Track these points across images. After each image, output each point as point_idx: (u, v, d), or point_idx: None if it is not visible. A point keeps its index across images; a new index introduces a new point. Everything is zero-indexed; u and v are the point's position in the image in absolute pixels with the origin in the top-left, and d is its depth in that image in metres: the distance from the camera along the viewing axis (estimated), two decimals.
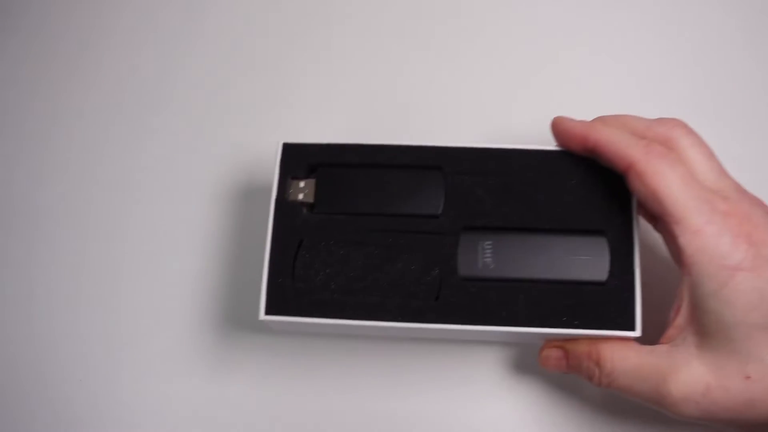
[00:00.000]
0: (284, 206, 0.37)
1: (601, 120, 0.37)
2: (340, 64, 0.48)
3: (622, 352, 0.34)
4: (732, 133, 0.44)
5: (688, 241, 0.32)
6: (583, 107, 0.44)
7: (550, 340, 0.37)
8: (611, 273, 0.35)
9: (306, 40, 0.49)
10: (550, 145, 0.37)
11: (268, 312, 0.36)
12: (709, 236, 0.31)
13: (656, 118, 0.36)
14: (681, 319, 0.33)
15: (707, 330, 0.32)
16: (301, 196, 0.37)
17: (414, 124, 0.46)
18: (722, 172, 0.34)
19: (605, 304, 0.35)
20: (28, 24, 0.51)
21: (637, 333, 0.34)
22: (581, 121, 0.36)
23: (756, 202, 0.34)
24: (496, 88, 0.47)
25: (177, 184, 0.46)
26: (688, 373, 0.32)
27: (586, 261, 0.36)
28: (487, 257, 0.36)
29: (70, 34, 0.51)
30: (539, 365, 0.38)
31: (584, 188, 0.36)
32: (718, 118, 0.45)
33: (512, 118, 0.46)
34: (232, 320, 0.43)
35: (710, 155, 0.35)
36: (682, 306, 0.33)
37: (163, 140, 0.47)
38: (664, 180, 0.32)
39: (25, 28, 0.51)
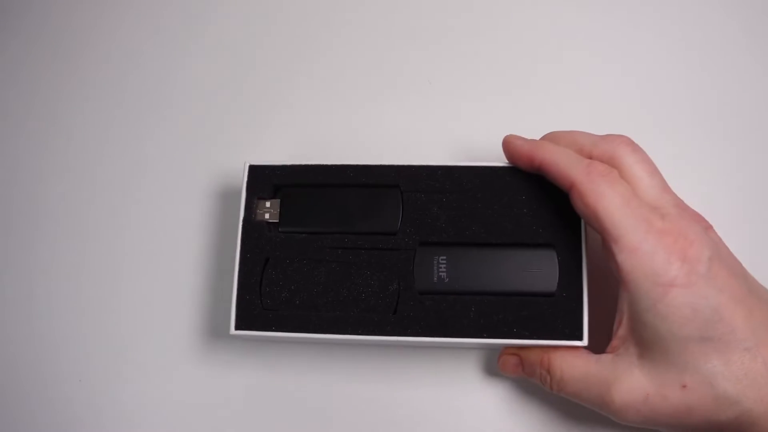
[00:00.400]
0: (252, 225, 0.39)
1: (550, 136, 0.38)
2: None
3: (570, 361, 0.36)
4: (734, 134, 0.45)
5: (624, 259, 0.33)
6: (582, 111, 0.46)
7: (507, 347, 0.39)
8: (560, 285, 0.37)
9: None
10: (503, 161, 0.39)
11: (237, 327, 0.38)
12: (643, 254, 0.33)
13: (604, 135, 0.37)
14: (623, 330, 0.35)
15: (646, 342, 0.34)
16: (267, 216, 0.39)
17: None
18: (664, 189, 0.36)
19: (554, 315, 0.37)
20: (29, 24, 0.52)
21: (584, 343, 0.36)
22: (529, 141, 0.38)
23: (695, 218, 0.35)
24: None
25: (177, 184, 0.48)
26: (630, 382, 0.34)
27: (536, 273, 0.37)
28: (441, 272, 0.38)
29: (71, 35, 0.52)
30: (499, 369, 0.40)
31: (534, 203, 0.38)
32: (720, 118, 0.45)
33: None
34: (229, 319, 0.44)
35: (653, 172, 0.36)
36: (623, 319, 0.35)
37: (165, 141, 0.48)
38: (603, 201, 0.34)
39: (25, 29, 0.52)
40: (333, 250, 0.39)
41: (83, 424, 0.44)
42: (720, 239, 0.35)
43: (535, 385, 0.41)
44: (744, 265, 0.35)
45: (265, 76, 0.49)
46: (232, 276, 0.38)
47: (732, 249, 0.35)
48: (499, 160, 0.39)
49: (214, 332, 0.45)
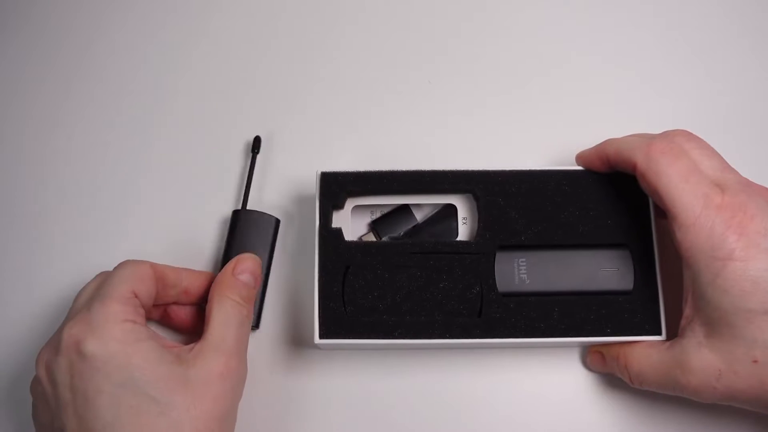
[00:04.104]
0: (328, 233, 0.39)
1: (608, 141, 0.39)
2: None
3: (644, 352, 0.37)
4: (738, 132, 0.46)
5: (683, 235, 0.34)
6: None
7: (593, 345, 0.40)
8: (636, 283, 0.38)
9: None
10: (575, 165, 0.40)
11: (322, 336, 0.37)
12: (701, 229, 0.34)
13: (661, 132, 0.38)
14: (689, 309, 0.35)
15: (710, 318, 0.34)
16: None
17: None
18: (725, 168, 0.36)
19: (633, 312, 0.38)
20: (30, 24, 0.50)
21: (662, 337, 0.37)
22: (595, 146, 0.39)
23: (759, 192, 0.35)
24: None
25: (183, 182, 0.47)
26: (700, 362, 0.34)
27: (612, 273, 0.39)
28: (522, 273, 0.39)
29: (73, 33, 0.50)
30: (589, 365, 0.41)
31: (607, 205, 0.39)
32: (729, 119, 0.47)
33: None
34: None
35: (712, 155, 0.37)
36: (688, 297, 0.35)
37: (167, 141, 0.47)
38: (661, 179, 0.35)
39: (27, 28, 0.50)
40: (413, 256, 0.39)
41: None
42: None
43: None
44: None
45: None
46: (312, 285, 0.38)
47: None
48: (572, 164, 0.40)
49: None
